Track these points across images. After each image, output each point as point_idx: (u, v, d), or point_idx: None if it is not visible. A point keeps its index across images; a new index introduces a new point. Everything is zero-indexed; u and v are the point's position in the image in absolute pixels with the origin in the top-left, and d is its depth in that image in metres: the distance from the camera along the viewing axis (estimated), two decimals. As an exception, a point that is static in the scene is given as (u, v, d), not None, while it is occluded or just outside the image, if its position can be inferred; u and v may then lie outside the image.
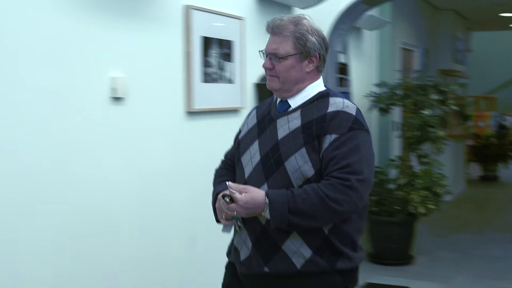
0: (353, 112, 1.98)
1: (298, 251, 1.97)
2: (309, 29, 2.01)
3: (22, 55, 2.14)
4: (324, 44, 2.04)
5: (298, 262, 1.97)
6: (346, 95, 4.39)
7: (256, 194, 1.92)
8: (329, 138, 1.94)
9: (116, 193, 2.56)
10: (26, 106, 2.15)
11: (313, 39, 2.00)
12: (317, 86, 2.07)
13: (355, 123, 1.96)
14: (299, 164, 1.95)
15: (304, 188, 1.91)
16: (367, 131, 2.00)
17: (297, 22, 2.01)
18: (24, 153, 2.15)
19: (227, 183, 1.95)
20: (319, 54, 2.02)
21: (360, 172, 1.91)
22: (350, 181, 1.89)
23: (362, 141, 1.95)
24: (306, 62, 2.02)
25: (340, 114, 1.97)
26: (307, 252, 1.98)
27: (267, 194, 1.91)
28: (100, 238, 2.48)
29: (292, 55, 2.00)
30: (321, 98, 2.04)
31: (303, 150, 1.95)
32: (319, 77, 2.08)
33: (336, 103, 2.00)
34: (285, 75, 2.03)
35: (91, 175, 2.42)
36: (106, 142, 2.48)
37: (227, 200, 1.92)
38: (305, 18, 2.04)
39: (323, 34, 2.05)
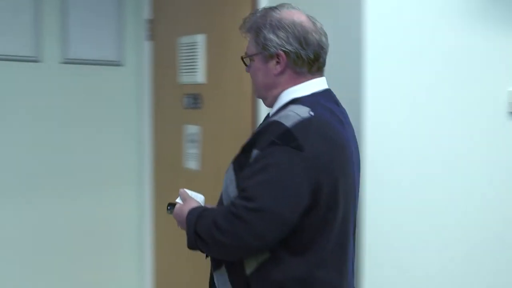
0: (289, 123, 1.51)
1: None
2: (269, 22, 1.61)
3: (423, 67, 2.20)
4: (297, 39, 1.60)
5: None
6: None
7: (186, 207, 1.69)
8: (254, 155, 1.55)
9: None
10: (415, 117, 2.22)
11: (270, 34, 1.60)
12: (294, 92, 1.64)
13: (282, 137, 1.50)
14: (227, 183, 1.63)
15: (213, 208, 1.65)
16: (300, 149, 1.48)
17: (264, 14, 1.65)
18: (421, 163, 2.21)
19: (180, 189, 1.78)
20: (284, 51, 1.60)
21: (254, 198, 1.48)
22: (237, 208, 1.50)
23: (278, 161, 1.48)
24: (274, 62, 1.64)
25: (273, 125, 1.54)
26: None
27: (189, 210, 1.66)
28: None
29: (254, 54, 1.66)
30: (286, 106, 1.61)
31: (231, 167, 1.63)
32: (302, 81, 1.65)
33: (284, 111, 1.57)
34: (254, 80, 1.71)
35: (485, 192, 2.34)
36: (502, 159, 2.37)
37: (168, 208, 1.80)
38: (276, 9, 1.65)
39: (297, 27, 1.61)
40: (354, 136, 1.76)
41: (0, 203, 2.99)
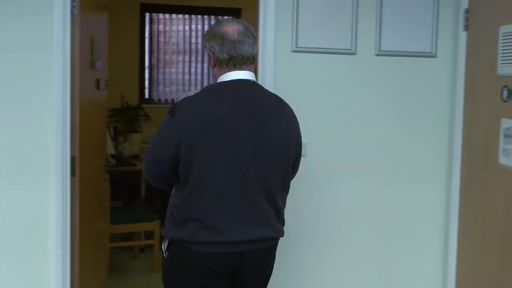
0: (179, 100, 2.33)
1: None
2: (208, 32, 2.34)
3: None
4: (217, 44, 2.29)
5: None
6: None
7: None
8: None
9: None
10: None
11: (206, 41, 2.35)
12: (218, 80, 2.35)
13: (171, 108, 2.28)
14: None
15: None
16: (173, 115, 2.25)
17: (211, 26, 2.36)
18: None
19: None
20: (212, 52, 2.32)
21: (149, 143, 2.33)
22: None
23: (163, 122, 2.29)
24: (211, 60, 2.36)
25: None
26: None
27: None
28: None
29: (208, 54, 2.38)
30: None
31: None
32: (222, 73, 2.33)
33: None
34: None
35: None
36: None
37: None
38: (220, 23, 2.34)
39: (218, 35, 2.29)
40: (253, 115, 2.27)
41: (309, 187, 3.24)
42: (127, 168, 5.63)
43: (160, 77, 7.32)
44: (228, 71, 2.33)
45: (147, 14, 7.16)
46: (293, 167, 2.49)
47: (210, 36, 2.33)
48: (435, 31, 3.25)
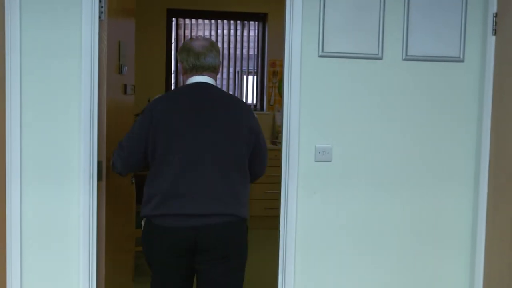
0: (150, 102, 2.79)
1: None
2: (180, 47, 2.87)
3: None
4: (184, 55, 2.83)
5: None
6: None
7: None
8: None
9: None
10: None
11: (177, 52, 2.92)
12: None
13: (143, 109, 2.77)
14: None
15: None
16: (143, 113, 2.73)
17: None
18: None
19: None
20: (181, 61, 2.85)
21: (124, 137, 2.77)
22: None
23: (136, 120, 2.76)
24: (180, 67, 2.90)
25: None
26: None
27: None
28: None
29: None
30: None
31: None
32: (187, 77, 2.85)
33: None
34: None
35: None
36: None
37: None
38: (192, 38, 2.90)
39: (186, 49, 2.84)
40: (209, 108, 2.74)
41: (349, 192, 3.22)
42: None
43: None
44: (191, 76, 2.82)
45: (174, 19, 7.21)
46: (254, 157, 2.81)
47: (181, 49, 2.84)
48: (463, 36, 3.21)
